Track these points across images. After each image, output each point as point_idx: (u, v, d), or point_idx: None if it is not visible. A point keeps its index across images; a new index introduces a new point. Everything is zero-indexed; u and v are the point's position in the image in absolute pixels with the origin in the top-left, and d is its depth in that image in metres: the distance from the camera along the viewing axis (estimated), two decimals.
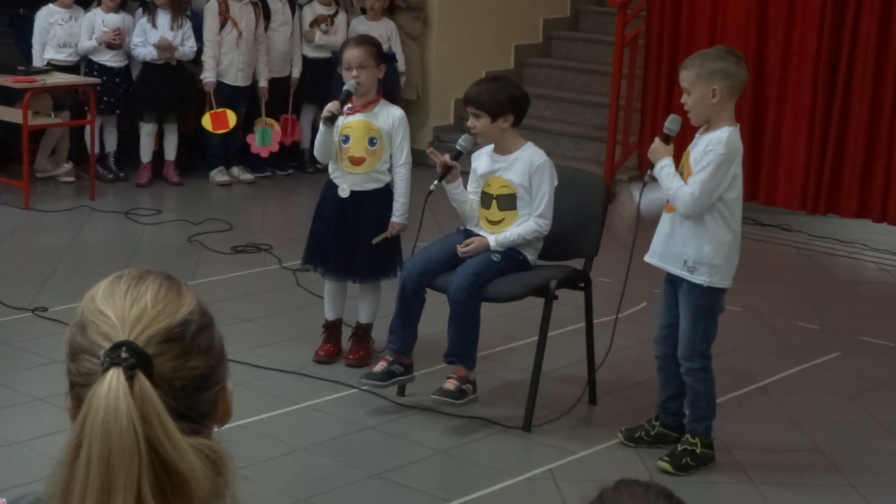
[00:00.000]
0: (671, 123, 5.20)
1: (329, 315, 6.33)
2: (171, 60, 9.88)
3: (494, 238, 5.66)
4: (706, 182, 4.99)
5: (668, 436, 5.38)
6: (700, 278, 5.09)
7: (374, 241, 6.07)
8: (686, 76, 5.05)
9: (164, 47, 9.76)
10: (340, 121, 6.07)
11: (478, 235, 5.71)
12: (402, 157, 6.18)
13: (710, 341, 5.20)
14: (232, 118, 9.99)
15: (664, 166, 5.10)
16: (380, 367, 5.75)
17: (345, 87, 6.05)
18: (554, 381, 5.95)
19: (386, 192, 6.16)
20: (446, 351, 5.61)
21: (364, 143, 6.11)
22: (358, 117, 6.11)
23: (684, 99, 5.08)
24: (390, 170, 6.18)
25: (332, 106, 6.02)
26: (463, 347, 5.57)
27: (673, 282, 5.22)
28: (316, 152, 6.31)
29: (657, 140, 5.20)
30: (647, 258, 5.27)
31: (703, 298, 5.12)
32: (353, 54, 6.07)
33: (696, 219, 5.07)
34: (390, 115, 6.17)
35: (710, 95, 5.00)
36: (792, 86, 9.25)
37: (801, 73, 9.16)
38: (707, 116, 5.06)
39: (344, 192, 6.12)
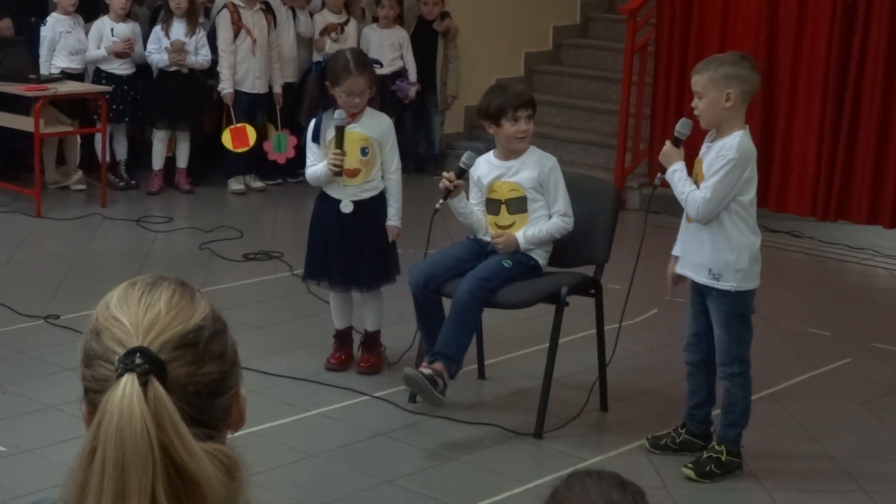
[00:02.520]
0: (682, 127, 5.21)
1: (338, 324, 6.33)
2: (183, 65, 9.89)
3: (523, 234, 5.66)
4: (717, 186, 4.99)
5: (695, 444, 5.37)
6: (727, 284, 5.08)
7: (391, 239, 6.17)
8: (699, 80, 5.05)
9: (178, 48, 9.77)
10: (331, 134, 6.05)
11: (489, 243, 5.71)
12: (394, 164, 6.17)
13: (748, 345, 5.19)
14: (252, 135, 9.98)
15: (676, 170, 5.11)
16: (427, 370, 5.46)
17: (337, 122, 6.00)
18: (565, 388, 5.95)
19: (382, 199, 6.18)
20: (434, 348, 5.51)
21: (357, 154, 6.08)
22: (348, 129, 6.05)
23: (695, 103, 5.08)
24: (383, 176, 6.19)
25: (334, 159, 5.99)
26: (452, 349, 5.49)
27: (700, 290, 5.22)
28: (310, 180, 6.26)
29: (668, 144, 5.21)
30: (678, 268, 5.28)
31: (733, 304, 5.12)
32: (357, 84, 6.00)
33: (713, 224, 5.07)
34: (379, 124, 6.16)
35: (724, 99, 5.00)
36: (802, 92, 9.25)
37: (811, 80, 9.16)
38: (718, 121, 5.06)
39: (347, 208, 6.09)
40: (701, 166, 5.12)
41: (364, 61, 6.11)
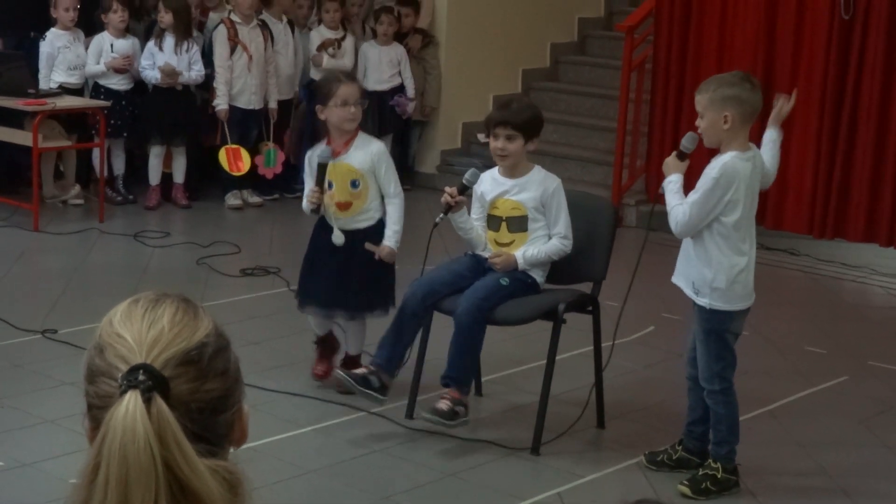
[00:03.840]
0: (687, 141, 5.23)
1: (319, 329, 6.30)
2: (176, 85, 9.92)
3: (522, 254, 5.66)
4: (696, 204, 5.02)
5: (691, 461, 5.37)
6: (702, 300, 5.11)
7: (367, 246, 5.99)
8: (700, 100, 5.08)
9: (169, 73, 9.81)
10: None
11: (487, 259, 5.72)
12: (391, 188, 6.05)
13: (727, 363, 5.19)
14: (247, 160, 9.99)
15: (671, 181, 5.13)
16: (360, 370, 5.79)
17: (320, 159, 5.91)
18: (562, 405, 5.95)
19: (379, 228, 6.06)
20: (444, 372, 5.60)
21: (347, 186, 5.99)
22: (337, 160, 5.95)
23: (699, 122, 5.11)
24: (383, 201, 6.10)
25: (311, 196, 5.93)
26: (461, 371, 5.57)
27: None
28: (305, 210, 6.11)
29: (672, 155, 5.23)
30: (673, 278, 5.31)
31: (709, 321, 5.13)
32: (352, 91, 5.91)
33: (697, 240, 5.09)
34: (368, 153, 6.01)
35: (722, 121, 5.01)
36: (799, 110, 9.24)
37: (809, 98, 9.18)
38: (718, 141, 5.08)
39: (338, 239, 6.00)
40: None
41: (350, 74, 6.18)
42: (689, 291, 5.17)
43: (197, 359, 1.63)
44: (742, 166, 5.06)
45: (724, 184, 5.01)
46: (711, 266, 5.08)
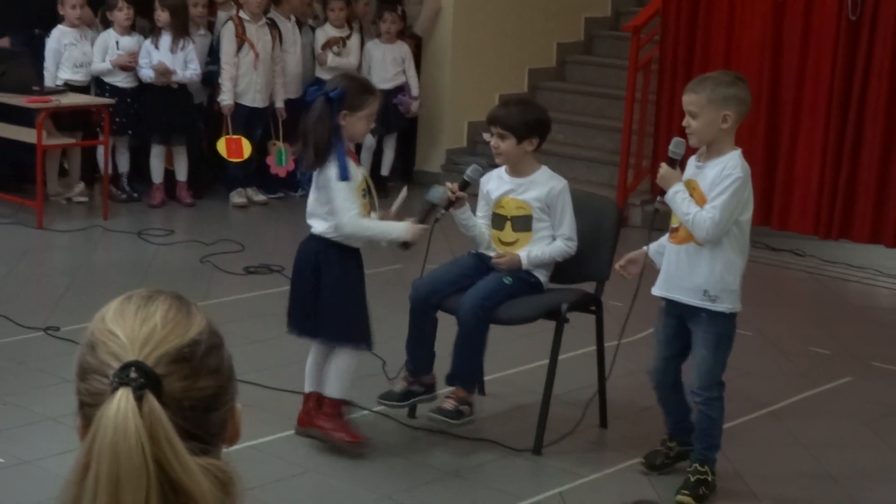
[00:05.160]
0: (676, 147, 5.18)
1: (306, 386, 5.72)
2: (171, 84, 9.92)
3: (526, 254, 5.64)
4: (726, 205, 4.95)
5: (689, 452, 5.36)
6: (722, 306, 5.06)
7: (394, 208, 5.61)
8: (696, 100, 5.01)
9: (161, 72, 9.81)
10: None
11: (490, 258, 5.69)
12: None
13: (726, 366, 5.18)
14: (247, 148, 10.02)
15: (678, 191, 5.06)
16: (400, 386, 5.74)
17: (435, 200, 5.55)
18: (564, 405, 5.95)
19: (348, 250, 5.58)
20: (449, 372, 5.60)
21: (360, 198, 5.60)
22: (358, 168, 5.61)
23: (687, 122, 5.06)
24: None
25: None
26: (466, 370, 5.57)
27: (680, 314, 5.19)
28: (355, 234, 5.51)
29: (664, 166, 5.17)
30: (657, 291, 5.24)
31: (726, 326, 5.10)
32: (378, 106, 5.56)
33: (712, 245, 5.04)
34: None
35: (721, 121, 4.98)
36: (806, 111, 9.25)
37: (816, 99, 9.16)
38: (711, 140, 5.04)
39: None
40: (693, 187, 5.08)
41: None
42: (696, 301, 5.09)
43: (189, 356, 1.62)
44: (746, 163, 5.06)
45: (746, 181, 5.00)
46: (730, 269, 5.05)
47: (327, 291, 5.45)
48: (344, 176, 5.34)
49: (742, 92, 5.03)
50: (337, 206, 5.38)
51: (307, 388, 5.65)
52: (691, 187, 5.07)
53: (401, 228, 5.45)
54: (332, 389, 5.53)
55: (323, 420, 5.53)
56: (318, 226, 5.50)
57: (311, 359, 5.63)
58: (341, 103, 5.35)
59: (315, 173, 5.44)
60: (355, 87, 5.44)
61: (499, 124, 5.61)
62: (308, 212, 5.57)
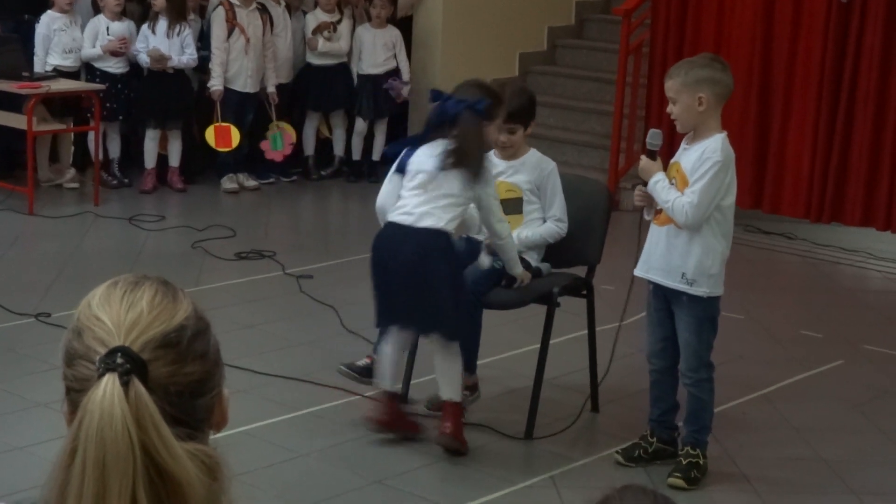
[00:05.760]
0: (652, 138, 5.17)
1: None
2: (168, 69, 9.90)
3: (517, 235, 5.63)
4: (705, 190, 4.95)
5: (665, 450, 5.36)
6: (700, 290, 5.05)
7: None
8: (672, 85, 5.01)
9: (156, 58, 9.78)
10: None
11: (480, 242, 5.68)
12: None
13: (712, 348, 5.19)
14: (236, 136, 10.00)
15: (658, 181, 5.05)
16: (363, 362, 5.79)
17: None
18: (556, 389, 5.95)
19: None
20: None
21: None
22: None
23: (670, 108, 5.06)
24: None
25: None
26: (464, 356, 5.56)
27: (665, 295, 5.18)
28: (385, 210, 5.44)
29: (644, 158, 5.16)
30: (638, 272, 5.24)
31: (706, 310, 5.10)
32: None
33: (693, 229, 5.03)
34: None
35: (697, 103, 4.97)
36: (797, 95, 9.25)
37: (807, 83, 9.16)
38: (694, 124, 5.03)
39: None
40: (677, 169, 5.08)
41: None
42: (676, 283, 5.08)
43: (176, 342, 1.61)
44: (730, 147, 5.04)
45: (727, 165, 4.99)
46: (709, 253, 5.04)
47: (440, 285, 5.27)
48: (399, 168, 5.38)
49: (717, 73, 5.00)
50: (497, 214, 5.41)
51: (389, 387, 5.47)
52: (675, 169, 5.07)
53: (520, 268, 5.56)
54: (454, 392, 5.40)
55: (454, 425, 5.39)
56: (435, 220, 5.27)
57: (393, 357, 5.45)
58: (485, 114, 5.33)
59: (442, 171, 5.28)
60: (494, 98, 5.42)
61: (512, 119, 5.60)
62: (420, 212, 5.28)
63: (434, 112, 5.45)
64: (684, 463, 5.18)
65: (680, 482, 5.13)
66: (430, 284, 5.24)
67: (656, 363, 5.31)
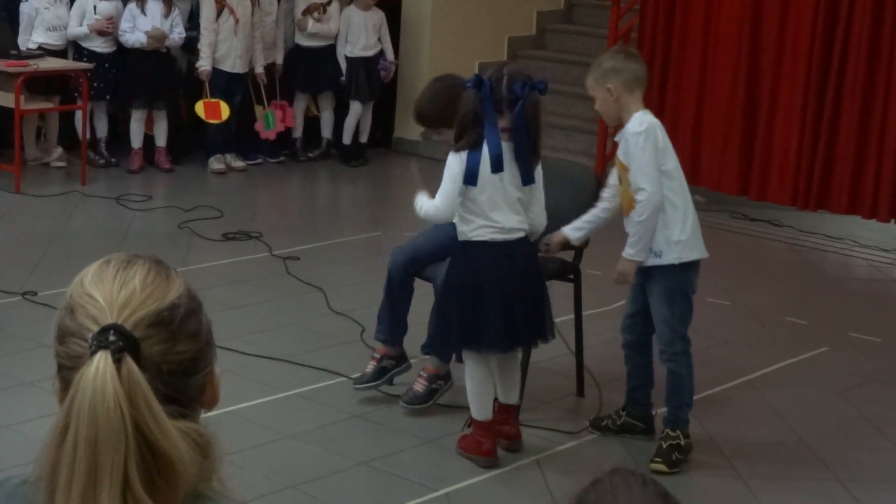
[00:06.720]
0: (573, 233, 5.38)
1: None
2: (161, 49, 9.88)
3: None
4: (642, 166, 5.01)
5: (635, 426, 5.43)
6: (668, 258, 5.11)
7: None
8: (588, 84, 5.19)
9: (158, 37, 9.76)
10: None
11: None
12: None
13: (688, 323, 5.21)
14: (225, 110, 10.00)
15: (624, 258, 5.12)
16: (370, 367, 5.74)
17: None
18: (543, 372, 5.96)
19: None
20: (425, 342, 5.40)
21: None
22: None
23: (595, 106, 5.16)
24: None
25: None
26: (396, 329, 5.60)
27: (641, 271, 5.22)
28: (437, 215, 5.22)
29: (620, 266, 5.16)
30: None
31: (675, 280, 5.13)
32: None
33: (661, 205, 5.03)
34: None
35: (608, 95, 5.08)
36: (785, 82, 9.26)
37: (794, 70, 9.17)
38: (616, 115, 5.14)
39: None
40: (618, 162, 5.16)
41: None
42: (647, 261, 5.15)
43: (168, 320, 1.62)
44: (651, 117, 5.10)
45: (651, 133, 5.03)
46: (667, 223, 5.08)
47: (537, 291, 5.17)
48: (468, 179, 5.03)
49: (619, 62, 5.11)
50: (542, 201, 5.19)
51: (491, 415, 5.22)
52: (618, 164, 5.16)
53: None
54: (518, 395, 5.36)
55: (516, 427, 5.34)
56: (520, 224, 5.11)
57: (489, 386, 5.20)
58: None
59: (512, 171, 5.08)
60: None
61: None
62: (509, 225, 5.06)
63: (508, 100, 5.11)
64: (665, 447, 5.20)
65: (661, 466, 5.15)
66: (542, 294, 5.17)
67: (625, 337, 5.38)
